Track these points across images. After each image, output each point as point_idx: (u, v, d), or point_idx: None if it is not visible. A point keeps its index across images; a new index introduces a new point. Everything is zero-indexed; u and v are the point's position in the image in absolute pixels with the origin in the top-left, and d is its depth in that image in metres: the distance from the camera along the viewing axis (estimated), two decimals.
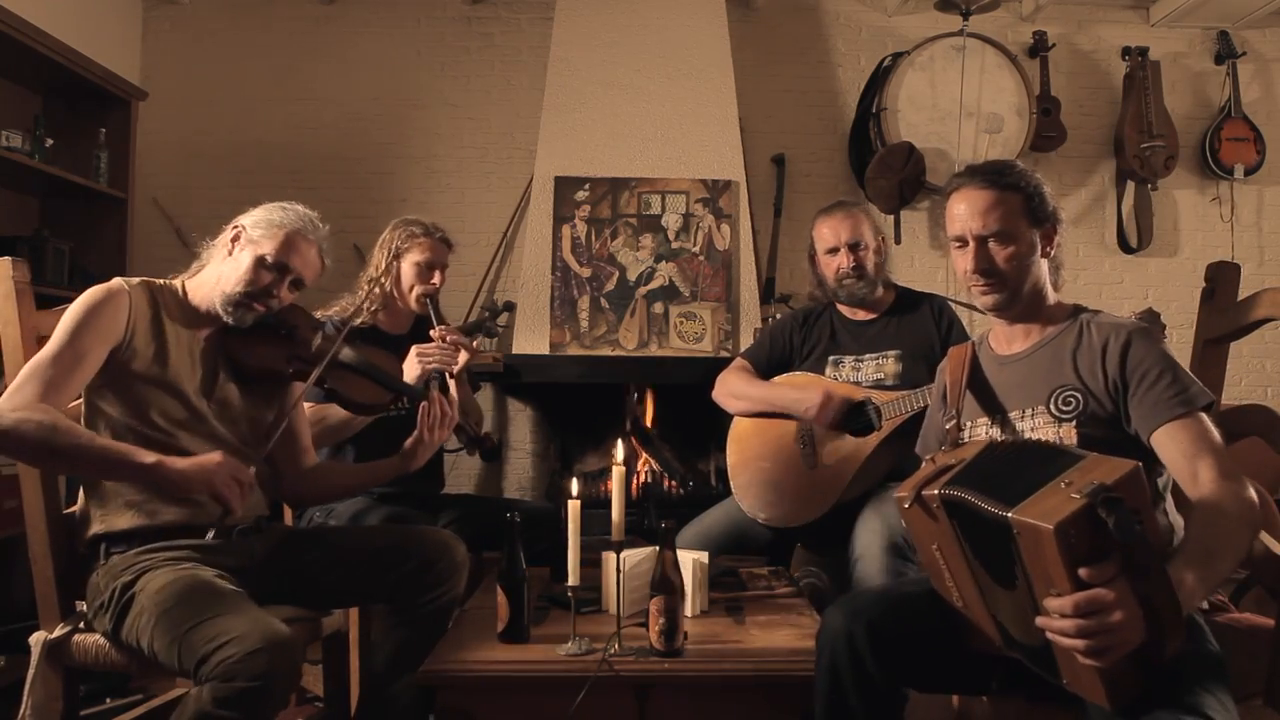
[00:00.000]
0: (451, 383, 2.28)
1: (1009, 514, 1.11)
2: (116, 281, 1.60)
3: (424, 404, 1.84)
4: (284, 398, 1.84)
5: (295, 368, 1.75)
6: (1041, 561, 1.09)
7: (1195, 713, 1.08)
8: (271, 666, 1.29)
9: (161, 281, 1.70)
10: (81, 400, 1.59)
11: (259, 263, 1.65)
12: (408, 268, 2.26)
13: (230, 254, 1.68)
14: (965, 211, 1.44)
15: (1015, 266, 1.43)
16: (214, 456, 1.54)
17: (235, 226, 1.69)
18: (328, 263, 1.77)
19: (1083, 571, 1.06)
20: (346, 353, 1.80)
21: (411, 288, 2.26)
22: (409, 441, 1.85)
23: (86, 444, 1.47)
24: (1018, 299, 1.45)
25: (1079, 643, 1.05)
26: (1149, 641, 1.06)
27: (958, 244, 1.47)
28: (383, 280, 2.26)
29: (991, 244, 1.43)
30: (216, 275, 1.68)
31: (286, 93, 3.90)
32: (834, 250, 2.26)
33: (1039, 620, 1.11)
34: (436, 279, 2.27)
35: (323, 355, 1.75)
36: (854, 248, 2.24)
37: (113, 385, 1.57)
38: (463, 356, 2.19)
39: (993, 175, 1.45)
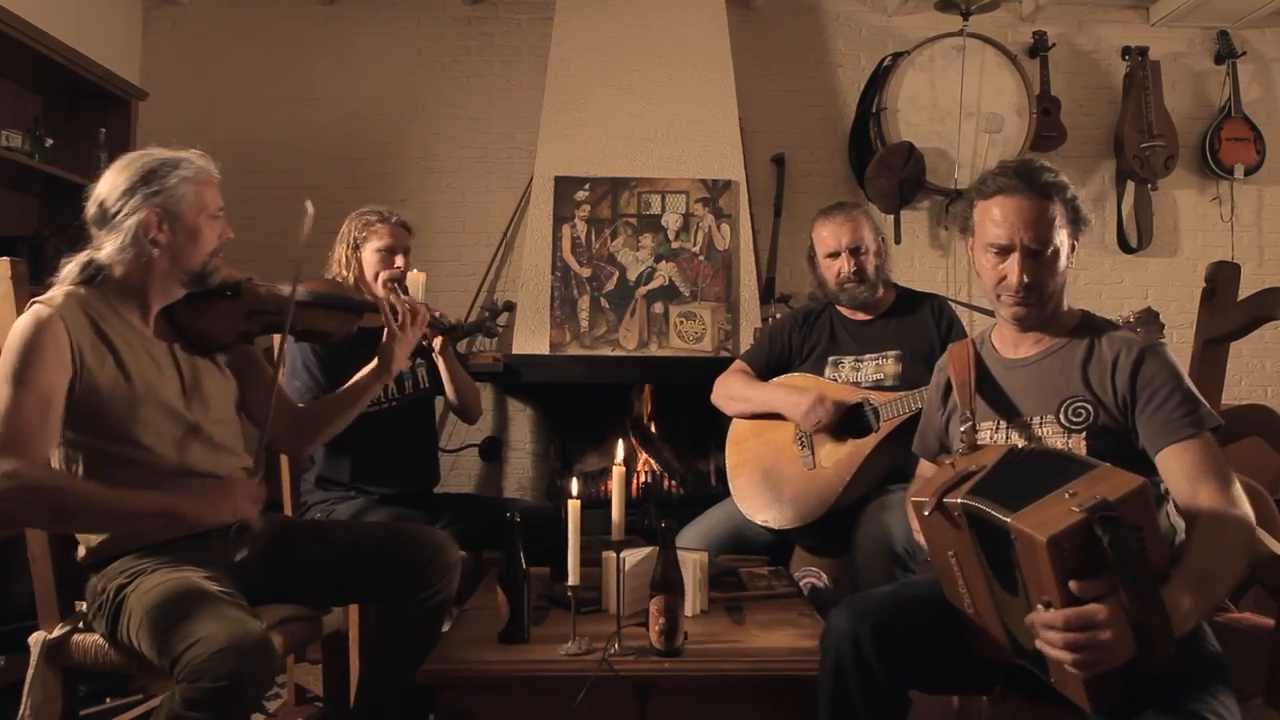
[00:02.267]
0: (439, 360, 2.28)
1: (1009, 519, 1.11)
2: (39, 308, 1.45)
3: (388, 306, 1.83)
4: (257, 362, 1.80)
5: (258, 322, 1.72)
6: (1035, 570, 1.10)
7: (1197, 717, 1.08)
8: (238, 666, 1.28)
9: (81, 288, 1.55)
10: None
11: (209, 220, 1.59)
12: (369, 255, 2.25)
13: (159, 239, 1.54)
14: (1018, 221, 1.37)
15: (1055, 277, 1.40)
16: (225, 487, 1.54)
17: (145, 213, 1.51)
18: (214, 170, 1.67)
19: (1073, 585, 1.06)
20: (300, 290, 1.74)
21: (376, 275, 2.24)
22: (383, 341, 1.83)
23: (90, 500, 1.43)
24: (1046, 311, 1.43)
25: (1066, 656, 1.06)
26: (1137, 657, 1.07)
27: (998, 251, 1.40)
28: (345, 274, 2.26)
29: (1042, 257, 1.38)
30: (160, 263, 1.56)
31: (286, 93, 3.90)
32: (835, 254, 2.25)
33: (1032, 630, 1.12)
34: (399, 262, 2.25)
35: (277, 300, 1.70)
36: (855, 252, 2.23)
37: (84, 422, 1.49)
38: (437, 340, 2.21)
39: (1043, 185, 1.38)
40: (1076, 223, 1.42)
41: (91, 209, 1.56)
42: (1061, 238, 1.39)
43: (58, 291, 1.51)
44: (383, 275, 2.23)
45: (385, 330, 1.85)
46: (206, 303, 1.67)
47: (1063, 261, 1.40)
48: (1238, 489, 1.26)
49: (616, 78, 3.54)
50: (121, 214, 1.53)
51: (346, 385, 1.89)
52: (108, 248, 1.54)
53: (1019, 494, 1.15)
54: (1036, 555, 1.07)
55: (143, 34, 3.91)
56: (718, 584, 1.89)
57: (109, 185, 1.55)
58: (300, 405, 1.92)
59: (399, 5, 3.95)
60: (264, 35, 3.93)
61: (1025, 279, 1.38)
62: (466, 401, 2.38)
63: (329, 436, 1.93)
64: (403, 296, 1.85)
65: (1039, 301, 1.41)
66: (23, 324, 1.44)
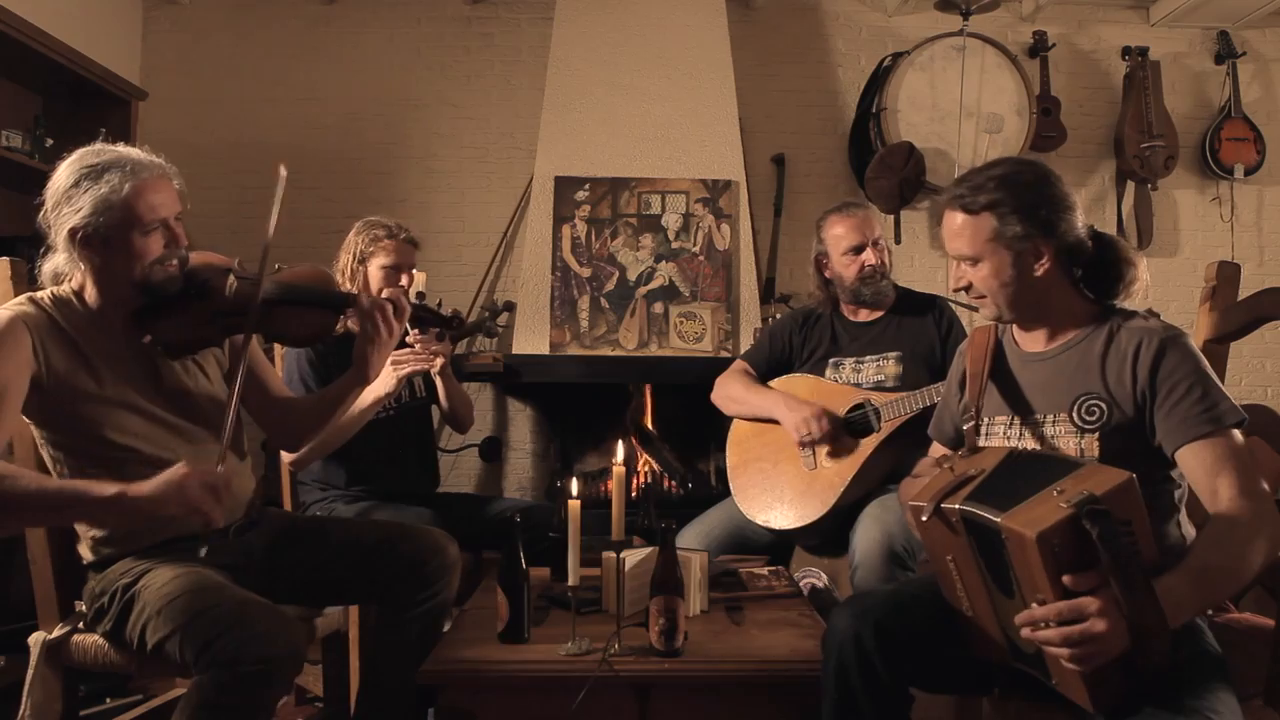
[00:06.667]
0: (438, 380, 2.28)
1: (999, 519, 1.12)
2: (1, 310, 1.47)
3: (356, 304, 1.67)
4: (232, 358, 1.72)
5: (222, 324, 1.60)
6: (1027, 568, 1.11)
7: (1197, 714, 1.09)
8: (275, 651, 1.31)
9: (47, 294, 1.55)
10: (32, 449, 1.54)
11: (141, 236, 1.50)
12: (375, 272, 2.23)
13: (91, 257, 1.51)
14: (944, 233, 1.45)
15: (993, 286, 1.40)
16: (178, 470, 1.38)
17: (70, 230, 1.50)
18: (179, 183, 1.59)
19: (1066, 579, 1.07)
20: (266, 288, 1.57)
21: (380, 292, 2.20)
22: (356, 346, 1.68)
23: (36, 489, 1.33)
24: (1013, 312, 1.43)
25: (1064, 651, 1.07)
26: (1133, 650, 1.07)
27: (955, 259, 1.47)
28: (349, 285, 2.22)
29: (964, 265, 1.43)
30: (101, 276, 1.54)
31: (286, 93, 3.90)
32: (858, 249, 2.23)
33: (1024, 632, 1.13)
34: (404, 281, 2.24)
35: (244, 300, 1.56)
36: (876, 244, 2.24)
37: (53, 420, 1.50)
38: (439, 360, 2.20)
39: (966, 198, 1.39)
40: (1020, 233, 1.36)
41: (39, 217, 1.54)
42: (988, 250, 1.38)
43: (24, 297, 1.53)
44: (387, 294, 2.17)
45: (359, 331, 1.68)
46: (166, 308, 1.57)
47: (1000, 270, 1.38)
48: (1260, 486, 1.23)
49: (616, 78, 3.54)
50: (53, 232, 1.53)
51: (326, 390, 1.78)
52: (56, 260, 1.56)
53: (1010, 496, 1.16)
54: (1027, 552, 1.08)
55: (143, 34, 3.91)
56: (718, 584, 1.89)
57: (50, 195, 1.53)
58: (288, 402, 1.83)
59: (399, 5, 3.95)
60: (264, 35, 3.92)
61: (956, 284, 1.45)
62: (459, 412, 2.39)
63: (321, 441, 1.89)
64: (370, 295, 1.68)
65: (990, 305, 1.44)
66: None
